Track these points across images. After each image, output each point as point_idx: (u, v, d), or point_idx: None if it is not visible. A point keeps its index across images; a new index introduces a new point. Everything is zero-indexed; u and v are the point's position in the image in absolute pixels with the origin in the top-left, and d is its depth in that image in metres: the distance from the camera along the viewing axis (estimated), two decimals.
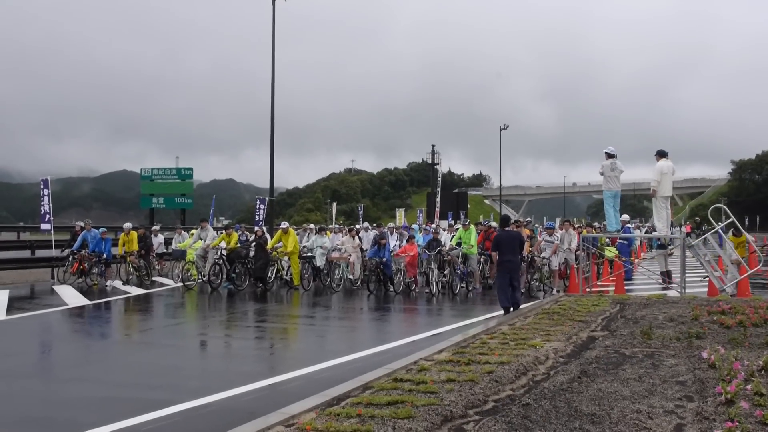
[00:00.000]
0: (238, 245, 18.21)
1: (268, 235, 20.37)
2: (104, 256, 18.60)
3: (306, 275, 17.85)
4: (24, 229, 35.50)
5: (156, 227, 24.51)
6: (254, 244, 18.28)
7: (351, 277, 18.52)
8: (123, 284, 18.42)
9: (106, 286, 18.14)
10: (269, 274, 17.95)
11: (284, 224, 18.33)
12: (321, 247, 18.45)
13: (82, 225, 19.91)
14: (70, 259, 18.59)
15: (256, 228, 19.44)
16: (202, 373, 8.32)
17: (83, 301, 15.13)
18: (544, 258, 16.68)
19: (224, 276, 17.49)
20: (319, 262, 18.21)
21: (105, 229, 19.52)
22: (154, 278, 20.40)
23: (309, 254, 18.31)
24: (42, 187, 22.99)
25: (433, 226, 27.06)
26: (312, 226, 22.76)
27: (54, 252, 20.60)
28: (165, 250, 22.81)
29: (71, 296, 15.81)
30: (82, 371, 8.31)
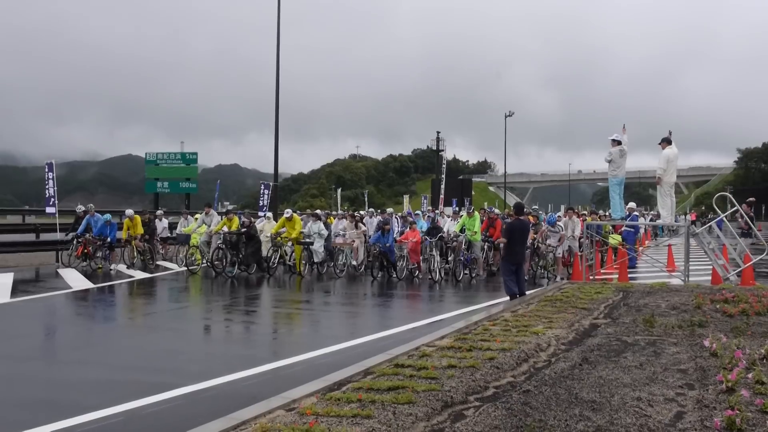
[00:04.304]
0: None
1: (271, 220, 20.42)
2: (108, 240, 18.67)
3: (304, 261, 17.81)
4: (29, 212, 35.49)
5: (160, 212, 24.56)
6: (244, 231, 17.95)
7: (354, 263, 18.54)
8: (127, 268, 18.48)
9: (111, 269, 18.20)
10: (273, 261, 17.92)
11: (288, 212, 18.37)
12: (318, 234, 18.21)
13: (85, 209, 19.91)
14: (75, 242, 18.64)
15: (243, 219, 18.95)
16: (205, 357, 8.36)
17: (87, 284, 15.19)
18: (549, 245, 16.67)
19: (227, 261, 17.51)
20: (316, 254, 18.03)
21: (109, 217, 19.52)
22: (158, 262, 20.46)
23: (307, 240, 18.18)
24: (47, 170, 23.04)
25: (437, 212, 27.09)
26: (318, 211, 22.77)
27: (59, 235, 20.67)
28: (169, 235, 22.86)
29: (76, 279, 15.87)
30: (86, 354, 8.35)
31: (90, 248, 18.39)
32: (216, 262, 17.21)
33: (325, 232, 18.51)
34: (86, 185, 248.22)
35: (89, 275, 16.87)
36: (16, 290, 13.82)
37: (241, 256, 17.71)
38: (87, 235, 18.55)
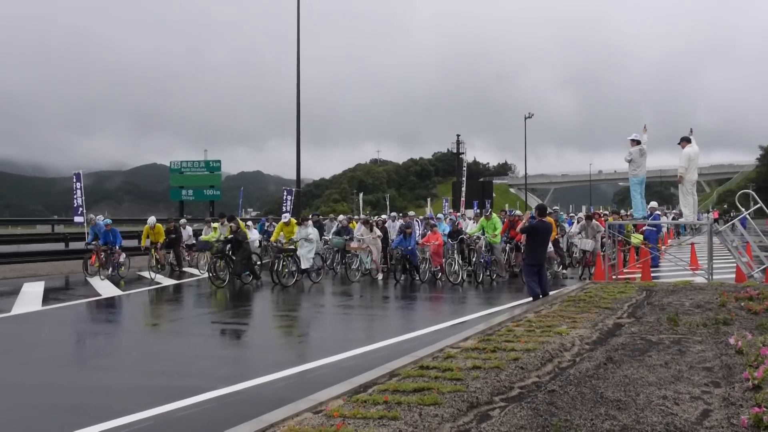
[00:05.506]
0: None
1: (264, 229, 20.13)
2: (116, 247, 18.58)
3: (287, 270, 16.75)
4: (58, 222, 35.91)
5: (183, 220, 24.64)
6: (231, 239, 16.89)
7: (368, 267, 18.14)
8: (154, 274, 18.58)
9: (138, 275, 18.38)
10: (277, 267, 16.81)
11: (285, 216, 18.21)
12: (306, 240, 17.16)
13: (87, 220, 19.98)
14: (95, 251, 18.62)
15: (231, 223, 17.59)
16: (232, 361, 8.42)
17: (116, 291, 15.36)
18: None
19: (229, 271, 16.88)
20: (304, 260, 16.97)
21: (110, 221, 19.53)
22: (184, 269, 20.62)
23: (290, 247, 17.14)
24: (75, 180, 23.33)
25: (458, 215, 27.03)
26: (342, 217, 22.56)
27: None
28: (194, 242, 23.00)
29: (104, 287, 16.06)
30: (115, 360, 8.45)
31: (102, 256, 18.28)
32: (220, 273, 16.62)
33: (313, 238, 17.45)
34: (113, 194, 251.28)
35: (117, 283, 17.06)
36: (47, 298, 14.03)
37: (231, 265, 16.83)
38: (95, 243, 18.66)
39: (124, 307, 13.63)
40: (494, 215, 17.80)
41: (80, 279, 18.12)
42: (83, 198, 23.00)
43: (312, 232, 17.55)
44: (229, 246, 16.85)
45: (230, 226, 17.36)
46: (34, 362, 8.14)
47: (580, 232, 17.21)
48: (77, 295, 14.81)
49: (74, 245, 22.04)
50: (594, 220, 17.69)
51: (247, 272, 16.94)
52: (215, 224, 20.53)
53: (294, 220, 18.11)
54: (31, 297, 14.21)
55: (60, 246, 22.44)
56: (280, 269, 16.66)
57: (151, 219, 20.04)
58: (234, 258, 16.76)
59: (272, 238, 18.04)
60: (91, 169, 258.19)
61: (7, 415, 5.93)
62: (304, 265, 16.94)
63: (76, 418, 5.58)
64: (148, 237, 19.46)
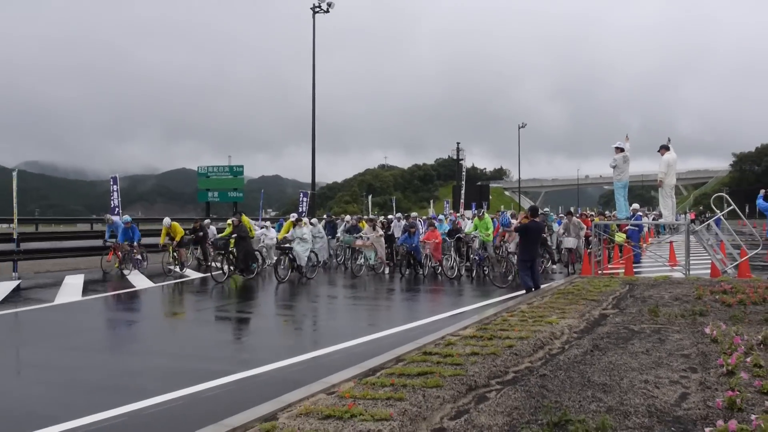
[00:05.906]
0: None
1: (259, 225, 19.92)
2: (135, 243, 18.25)
3: (281, 266, 16.24)
4: (96, 221, 36.04)
5: (207, 221, 24.58)
6: (234, 235, 16.42)
7: (372, 263, 17.90)
8: (175, 267, 18.52)
9: (169, 269, 18.39)
10: (283, 263, 16.42)
11: (294, 215, 18.14)
12: (300, 239, 16.50)
13: (108, 218, 19.87)
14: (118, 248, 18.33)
15: (233, 218, 16.69)
16: (252, 347, 8.43)
17: (147, 284, 15.39)
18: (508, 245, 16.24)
19: (233, 268, 16.42)
20: (300, 256, 16.31)
21: (129, 219, 19.06)
22: (210, 263, 20.60)
23: (286, 245, 16.51)
24: (112, 183, 23.45)
25: (458, 215, 26.99)
26: (349, 217, 22.40)
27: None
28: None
29: (137, 280, 16.10)
30: (148, 345, 8.48)
31: (120, 252, 17.90)
32: (224, 267, 16.13)
33: (308, 237, 16.80)
34: (146, 196, 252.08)
35: (150, 276, 17.08)
36: (86, 290, 14.08)
37: (234, 260, 16.25)
38: (113, 240, 18.41)
39: (156, 298, 13.65)
40: (486, 216, 17.79)
41: (116, 272, 18.14)
42: (119, 199, 23.10)
43: (306, 232, 16.86)
44: (232, 241, 16.38)
45: (231, 221, 16.63)
46: (75, 347, 8.17)
47: (564, 232, 17.14)
48: (113, 287, 14.86)
49: (111, 242, 22.04)
50: (575, 217, 17.61)
51: (252, 265, 16.36)
52: (228, 221, 20.42)
53: (304, 220, 17.97)
54: (72, 288, 14.27)
55: (98, 242, 22.44)
56: (283, 265, 16.41)
57: (166, 220, 19.52)
58: (237, 253, 16.27)
59: (279, 236, 17.71)
60: (127, 173, 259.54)
61: (50, 394, 5.96)
62: (300, 263, 16.34)
63: (115, 397, 5.60)
64: (168, 235, 19.23)
